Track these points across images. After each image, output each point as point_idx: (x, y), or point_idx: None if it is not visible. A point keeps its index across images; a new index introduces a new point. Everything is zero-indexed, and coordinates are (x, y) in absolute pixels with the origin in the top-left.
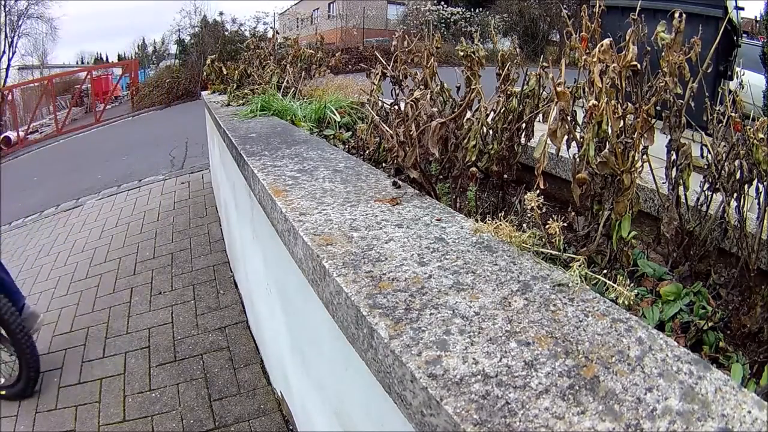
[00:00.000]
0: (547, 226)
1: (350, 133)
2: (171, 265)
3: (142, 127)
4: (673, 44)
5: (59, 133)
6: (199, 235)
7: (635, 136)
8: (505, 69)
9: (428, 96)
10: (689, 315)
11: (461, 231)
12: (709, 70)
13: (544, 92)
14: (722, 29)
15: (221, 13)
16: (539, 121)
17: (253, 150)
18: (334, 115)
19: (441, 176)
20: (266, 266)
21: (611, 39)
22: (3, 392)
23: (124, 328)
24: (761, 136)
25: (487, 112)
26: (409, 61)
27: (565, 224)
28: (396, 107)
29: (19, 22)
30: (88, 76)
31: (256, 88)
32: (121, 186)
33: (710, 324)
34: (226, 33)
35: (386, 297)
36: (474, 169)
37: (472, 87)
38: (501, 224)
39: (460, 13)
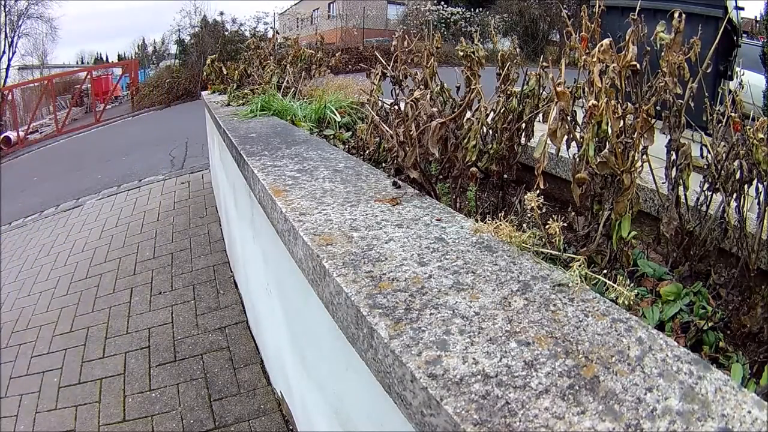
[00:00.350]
0: (547, 226)
1: (350, 133)
2: (171, 265)
3: (142, 127)
4: (673, 44)
5: (59, 133)
6: (199, 235)
7: (635, 136)
8: (505, 69)
9: (428, 96)
10: (689, 315)
11: (461, 231)
12: (709, 70)
13: (544, 92)
14: (722, 29)
15: (221, 13)
16: (539, 121)
17: (253, 150)
18: (334, 115)
19: (441, 176)
20: (266, 266)
21: (611, 39)
22: None
23: (124, 328)
24: (761, 136)
25: (487, 112)
26: (409, 61)
27: (565, 224)
28: (396, 107)
29: (19, 22)
30: (88, 76)
31: (256, 88)
32: (121, 186)
33: (710, 324)
34: (226, 33)
35: (386, 297)
36: (474, 169)
37: (472, 87)
38: (501, 224)
39: (460, 13)
